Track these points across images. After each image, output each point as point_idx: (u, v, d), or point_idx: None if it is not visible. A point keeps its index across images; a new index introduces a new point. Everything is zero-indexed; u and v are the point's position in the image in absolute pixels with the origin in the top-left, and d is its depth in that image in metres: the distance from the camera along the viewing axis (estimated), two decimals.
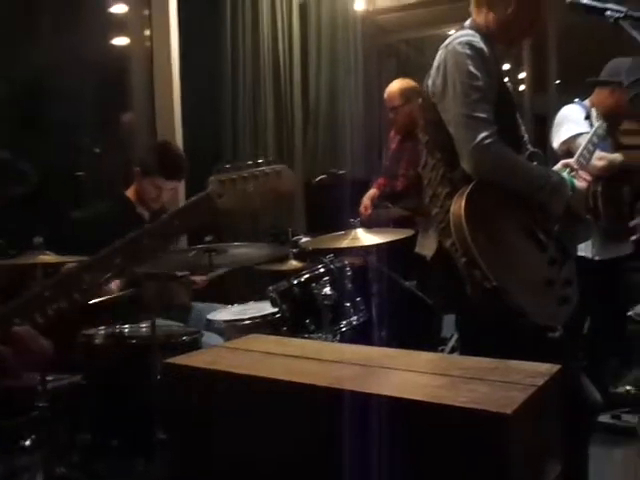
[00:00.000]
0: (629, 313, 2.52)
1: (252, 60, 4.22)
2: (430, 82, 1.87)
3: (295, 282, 2.85)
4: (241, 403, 1.34)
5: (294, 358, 1.46)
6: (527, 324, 1.70)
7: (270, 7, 4.31)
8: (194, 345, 2.43)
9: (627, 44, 1.71)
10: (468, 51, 1.77)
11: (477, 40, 1.80)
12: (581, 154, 2.02)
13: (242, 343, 1.65)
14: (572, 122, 2.99)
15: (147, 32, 3.97)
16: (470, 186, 1.74)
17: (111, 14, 4.00)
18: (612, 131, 2.85)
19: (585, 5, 1.80)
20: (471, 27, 1.90)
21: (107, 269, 1.08)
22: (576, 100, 3.16)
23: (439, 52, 1.87)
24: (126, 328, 2.50)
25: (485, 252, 1.68)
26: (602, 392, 2.10)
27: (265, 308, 2.94)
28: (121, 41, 4.04)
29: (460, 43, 1.79)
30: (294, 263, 3.31)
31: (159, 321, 2.36)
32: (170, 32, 3.89)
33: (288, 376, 1.30)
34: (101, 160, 3.92)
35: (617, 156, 2.86)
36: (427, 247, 2.07)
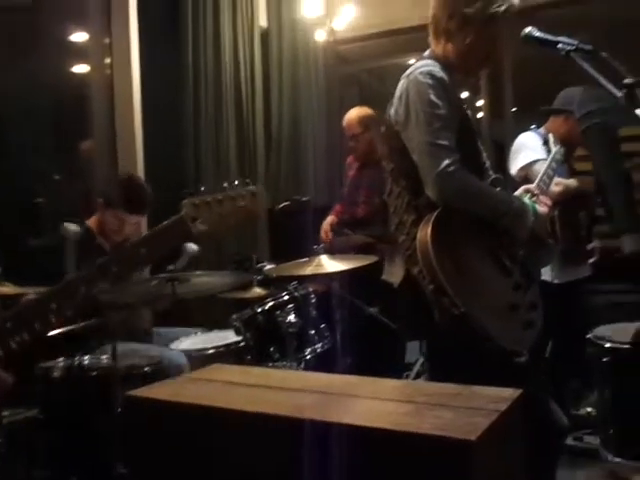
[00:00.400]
0: (588, 335, 2.56)
1: (214, 87, 4.23)
2: (393, 111, 1.90)
3: (259, 310, 2.84)
4: (203, 435, 1.32)
5: (257, 388, 1.45)
6: (494, 349, 1.72)
7: (232, 35, 4.34)
8: (156, 375, 2.38)
9: (579, 74, 1.76)
10: (429, 80, 1.81)
11: (437, 70, 1.84)
12: (541, 179, 2.06)
13: (205, 373, 1.63)
14: (529, 149, 3.07)
15: (108, 60, 3.95)
16: (435, 213, 1.77)
17: (71, 42, 3.98)
18: (567, 157, 2.92)
19: (538, 38, 1.86)
20: (430, 57, 1.94)
21: (72, 298, 1.06)
22: (532, 127, 3.25)
23: (400, 82, 1.91)
24: (86, 359, 2.44)
25: (452, 278, 1.69)
26: (565, 414, 2.13)
27: (229, 337, 2.91)
28: (81, 69, 4.01)
29: (421, 73, 1.83)
30: (258, 291, 3.30)
31: (122, 346, 2.32)
32: (131, 60, 3.88)
33: (250, 406, 1.28)
34: (60, 187, 3.86)
35: (572, 181, 2.93)
36: (394, 274, 2.08)
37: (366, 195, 3.85)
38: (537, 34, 1.87)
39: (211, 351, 2.81)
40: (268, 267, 3.40)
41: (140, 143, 3.95)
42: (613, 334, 2.50)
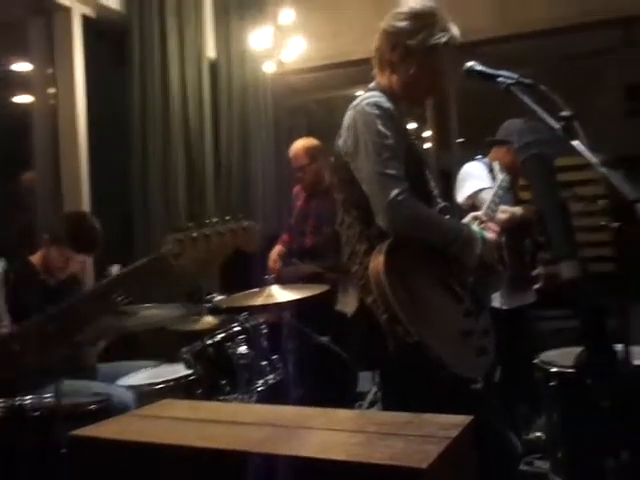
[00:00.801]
0: (535, 361, 2.61)
1: (162, 118, 4.20)
2: (341, 142, 1.92)
3: (209, 342, 2.80)
4: (152, 474, 1.28)
5: (207, 422, 1.42)
6: (449, 377, 1.73)
7: (180, 66, 4.33)
8: (103, 413, 2.31)
9: (522, 106, 1.82)
10: (376, 111, 1.83)
11: (384, 101, 1.87)
12: (489, 206, 2.11)
13: (153, 410, 1.59)
14: (475, 178, 3.15)
15: (52, 90, 3.89)
16: (387, 242, 1.78)
17: (14, 72, 3.91)
18: (512, 186, 3.01)
19: (479, 72, 1.92)
20: (376, 88, 1.98)
21: (40, 338, 1.01)
22: (478, 157, 3.33)
23: (348, 113, 1.93)
24: (27, 400, 2.34)
25: (406, 307, 1.71)
26: (517, 439, 2.15)
27: (179, 370, 2.85)
28: (24, 99, 3.94)
29: (368, 104, 1.86)
30: (208, 322, 3.25)
31: (66, 384, 2.24)
32: (75, 90, 3.83)
33: (199, 442, 1.25)
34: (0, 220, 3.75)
35: (518, 209, 3.01)
36: (348, 304, 2.09)
37: (314, 225, 3.86)
38: (479, 68, 1.93)
39: (160, 386, 2.75)
40: (218, 298, 3.36)
41: (85, 175, 3.88)
42: (558, 359, 2.55)
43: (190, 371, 2.77)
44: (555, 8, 4.75)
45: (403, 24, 1.92)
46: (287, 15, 4.89)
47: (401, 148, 1.85)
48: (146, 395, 2.68)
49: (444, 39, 1.92)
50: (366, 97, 1.90)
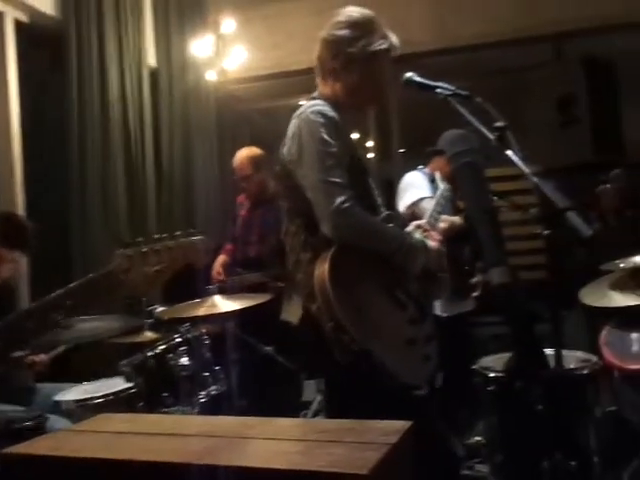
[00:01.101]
0: (474, 366, 2.67)
1: (101, 127, 4.10)
2: (286, 150, 1.92)
3: (150, 354, 2.75)
4: None
5: (148, 436, 1.39)
6: (394, 384, 1.74)
7: (119, 74, 4.26)
8: (38, 430, 2.23)
9: (461, 117, 1.87)
10: (321, 119, 1.84)
11: (328, 109, 1.88)
12: (431, 215, 2.14)
13: (91, 424, 1.55)
14: (415, 187, 3.21)
15: None
16: (332, 250, 1.78)
17: None
18: (453, 195, 3.07)
19: (419, 83, 1.97)
20: (320, 97, 1.98)
21: None
22: (419, 167, 3.40)
23: (292, 121, 1.93)
24: None
25: (351, 315, 1.71)
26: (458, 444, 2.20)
27: (119, 384, 2.79)
28: None
29: (312, 112, 1.87)
30: (149, 334, 3.19)
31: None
32: (9, 97, 3.72)
33: (138, 456, 1.23)
34: None
35: (457, 219, 3.07)
36: (293, 313, 2.08)
37: (258, 235, 3.85)
38: (417, 79, 1.98)
39: (99, 400, 2.67)
40: (159, 309, 3.31)
41: (19, 185, 3.77)
42: (496, 364, 2.62)
43: (130, 384, 2.71)
44: (490, 24, 4.91)
45: (343, 32, 1.94)
46: (228, 24, 4.89)
47: (345, 156, 1.86)
48: (85, 410, 2.61)
49: (384, 46, 1.95)
50: (310, 106, 1.90)
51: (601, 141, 4.87)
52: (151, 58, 4.72)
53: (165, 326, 3.23)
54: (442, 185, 2.37)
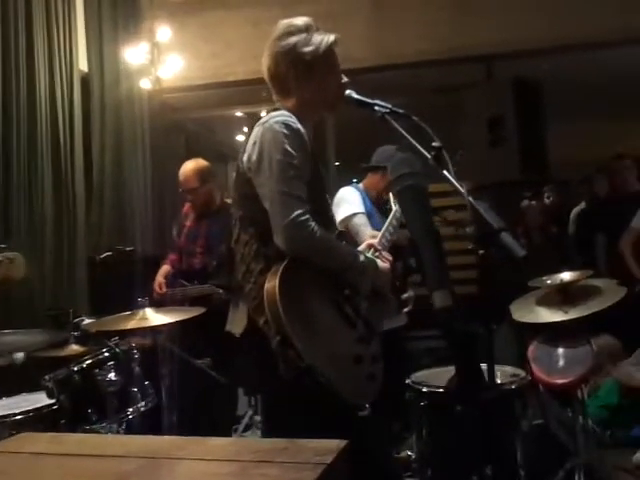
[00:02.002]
0: (407, 380, 2.69)
1: (28, 134, 3.93)
2: (245, 157, 1.88)
3: (75, 369, 2.63)
4: None
5: (71, 457, 1.33)
6: (338, 402, 1.73)
7: (49, 79, 4.11)
8: None
9: (395, 132, 1.90)
10: (285, 130, 1.82)
11: (293, 120, 1.85)
12: (383, 236, 2.15)
13: (9, 445, 1.47)
14: (348, 203, 3.23)
15: None
16: (284, 263, 1.75)
17: None
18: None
19: (357, 100, 1.98)
20: (285, 109, 1.94)
21: None
22: (353, 182, 3.42)
23: (255, 129, 1.90)
24: None
25: (299, 330, 1.69)
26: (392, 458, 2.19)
27: (40, 400, 2.66)
28: None
29: (277, 122, 1.84)
30: (75, 348, 3.08)
31: None
32: None
33: (61, 479, 1.17)
34: None
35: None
36: (236, 324, 2.03)
37: (204, 246, 3.79)
38: (355, 96, 1.99)
39: (18, 417, 2.54)
40: (87, 322, 3.20)
41: None
42: (429, 378, 2.65)
43: (52, 400, 2.59)
44: (427, 42, 5.04)
45: (294, 39, 1.93)
46: (164, 32, 4.82)
47: (307, 169, 1.84)
48: (2, 428, 2.48)
49: (332, 38, 1.95)
50: (275, 115, 1.87)
51: (528, 160, 5.05)
52: (82, 63, 4.58)
53: (92, 339, 3.12)
54: (395, 207, 2.39)
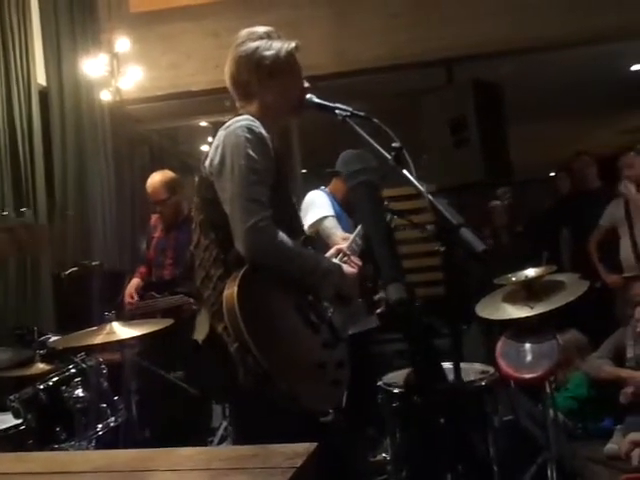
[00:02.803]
0: (379, 383, 2.69)
1: None
2: (208, 162, 1.87)
3: (42, 387, 2.59)
4: None
5: (36, 475, 1.30)
6: (301, 409, 1.71)
7: (5, 93, 4.04)
8: None
9: (359, 137, 1.90)
10: (248, 135, 1.81)
11: (256, 125, 1.84)
12: (354, 240, 2.15)
13: None
14: (317, 207, 3.24)
15: None
16: (244, 268, 1.74)
17: None
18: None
19: (318, 104, 1.99)
20: (246, 114, 1.93)
21: None
22: (322, 187, 3.43)
23: (218, 133, 1.89)
24: None
25: (258, 337, 1.66)
26: (365, 462, 2.19)
27: (6, 421, 2.61)
28: None
29: (240, 127, 1.83)
30: (41, 366, 3.02)
31: None
32: None
33: None
34: None
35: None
36: (199, 331, 2.00)
37: (173, 257, 3.77)
38: (316, 100, 2.00)
39: None
40: (53, 339, 3.14)
41: None
42: (400, 380, 2.65)
43: (19, 421, 2.54)
44: (387, 48, 5.09)
45: (255, 44, 1.94)
46: (123, 43, 4.77)
47: (270, 175, 1.83)
48: None
49: (292, 44, 1.96)
50: (239, 119, 1.87)
51: (490, 161, 5.12)
52: (41, 77, 4.52)
53: (59, 357, 3.07)
54: None
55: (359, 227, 2.22)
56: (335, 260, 2.00)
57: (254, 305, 1.72)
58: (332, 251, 2.08)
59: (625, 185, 4.28)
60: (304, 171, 6.19)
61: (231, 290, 1.71)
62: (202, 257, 1.88)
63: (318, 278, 1.86)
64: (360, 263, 2.05)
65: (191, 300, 3.49)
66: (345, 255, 2.04)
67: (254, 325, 1.68)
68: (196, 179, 1.96)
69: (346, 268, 1.97)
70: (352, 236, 2.18)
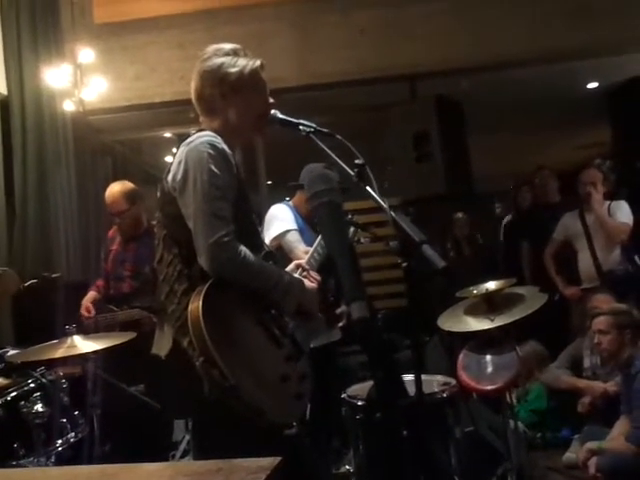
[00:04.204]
0: (342, 395, 2.70)
1: None
2: (170, 177, 1.87)
3: None
4: None
5: None
6: (265, 422, 1.71)
7: None
8: None
9: (321, 151, 1.93)
10: (210, 150, 1.81)
11: (219, 141, 1.85)
12: (312, 256, 2.16)
13: None
14: (280, 220, 3.25)
15: None
16: (208, 283, 1.74)
17: None
18: None
19: (281, 120, 2.01)
20: (209, 129, 1.93)
21: None
22: (286, 200, 3.45)
23: (180, 149, 1.89)
24: None
25: (223, 350, 1.67)
26: (329, 476, 2.19)
27: None
28: None
29: (202, 142, 1.83)
30: None
31: None
32: None
33: None
34: None
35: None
36: (162, 346, 1.98)
37: (132, 270, 3.71)
38: (280, 116, 2.01)
39: None
40: (11, 353, 3.07)
41: None
42: (363, 392, 2.67)
43: None
44: (350, 63, 5.15)
45: (220, 60, 1.95)
46: (87, 54, 4.73)
47: (232, 190, 1.84)
48: None
49: (258, 62, 1.98)
50: (200, 135, 1.87)
51: (452, 174, 5.22)
52: (1, 85, 4.45)
53: (17, 371, 3.01)
54: None
55: (319, 238, 2.24)
56: (296, 275, 2.02)
57: (218, 319, 1.72)
58: (291, 266, 2.09)
59: (595, 199, 4.30)
60: (269, 182, 6.20)
61: (196, 304, 1.71)
62: (165, 272, 1.88)
63: (280, 293, 1.87)
64: (319, 278, 2.07)
65: (150, 314, 3.45)
66: (304, 270, 2.06)
67: (219, 339, 1.69)
68: (158, 194, 1.96)
69: (307, 283, 1.99)
70: (310, 251, 2.20)
